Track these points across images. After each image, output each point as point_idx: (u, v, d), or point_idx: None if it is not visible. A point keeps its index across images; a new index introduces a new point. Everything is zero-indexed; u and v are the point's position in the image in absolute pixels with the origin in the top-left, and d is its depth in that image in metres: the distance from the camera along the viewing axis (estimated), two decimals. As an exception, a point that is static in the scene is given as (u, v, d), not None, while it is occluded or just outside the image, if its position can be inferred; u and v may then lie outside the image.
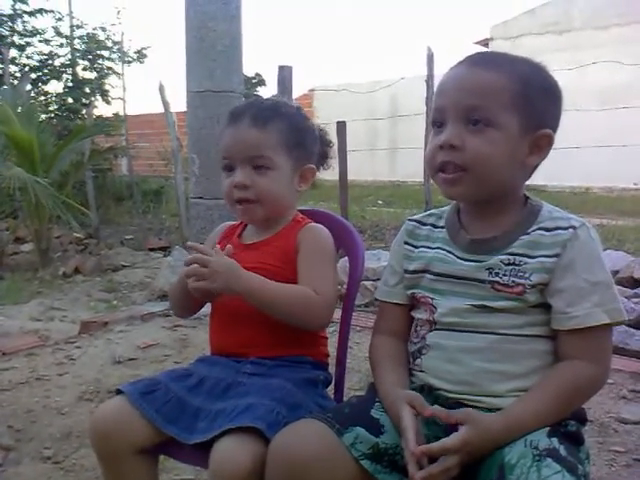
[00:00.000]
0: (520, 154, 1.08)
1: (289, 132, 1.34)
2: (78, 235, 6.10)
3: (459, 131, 1.07)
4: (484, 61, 1.11)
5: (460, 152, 1.07)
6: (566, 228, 1.07)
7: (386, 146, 11.33)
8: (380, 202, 9.37)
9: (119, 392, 1.25)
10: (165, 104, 6.37)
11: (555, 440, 0.97)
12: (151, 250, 5.89)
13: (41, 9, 8.73)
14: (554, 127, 1.11)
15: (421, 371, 1.14)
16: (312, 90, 14.31)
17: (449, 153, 1.08)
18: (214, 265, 1.19)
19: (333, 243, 1.35)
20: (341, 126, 5.46)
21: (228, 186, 1.34)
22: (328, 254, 1.33)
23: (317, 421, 1.06)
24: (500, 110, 1.05)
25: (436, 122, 1.12)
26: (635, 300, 3.18)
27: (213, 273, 1.18)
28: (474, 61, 1.11)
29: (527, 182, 1.15)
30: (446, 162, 1.09)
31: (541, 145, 1.09)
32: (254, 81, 10.89)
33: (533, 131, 1.08)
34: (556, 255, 1.05)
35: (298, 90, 13.79)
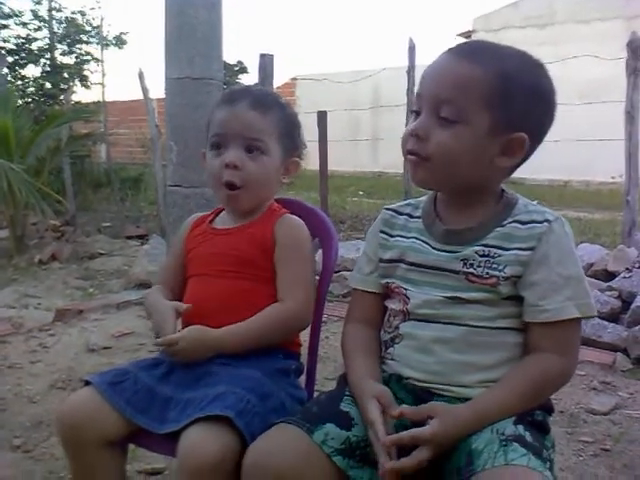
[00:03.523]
0: (488, 154, 1.06)
1: (285, 122, 1.35)
2: (55, 222, 6.02)
3: (428, 122, 1.06)
4: (470, 53, 1.07)
5: (424, 143, 1.06)
6: (541, 222, 1.07)
7: (368, 136, 11.33)
8: (361, 193, 9.37)
9: (87, 383, 1.23)
10: (144, 90, 6.30)
11: (521, 427, 0.99)
12: (129, 238, 5.84)
13: (18, -10, 8.58)
14: (535, 130, 1.07)
15: (392, 359, 1.15)
16: (294, 79, 14.24)
17: (415, 142, 1.08)
18: (180, 346, 1.22)
19: (309, 234, 1.36)
20: (322, 116, 5.44)
21: (218, 166, 1.31)
22: (305, 249, 1.33)
23: (289, 425, 1.05)
24: (471, 107, 1.03)
25: (415, 109, 1.11)
26: (609, 293, 3.22)
27: (181, 351, 1.22)
28: (459, 51, 1.08)
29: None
30: (411, 150, 1.09)
31: (514, 148, 1.06)
32: (236, 69, 10.81)
33: (507, 132, 1.05)
34: (530, 248, 1.06)
35: (280, 79, 13.75)
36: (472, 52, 1.08)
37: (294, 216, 1.37)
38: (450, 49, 1.09)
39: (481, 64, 1.04)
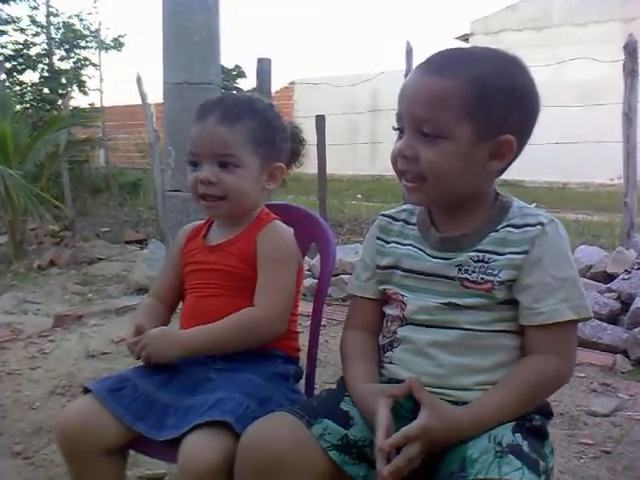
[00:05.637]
0: (478, 161, 1.06)
1: (258, 130, 1.32)
2: (53, 227, 6.01)
3: (412, 141, 1.06)
4: (439, 66, 1.06)
5: (415, 162, 1.06)
6: (534, 225, 1.07)
7: (366, 140, 11.34)
8: (360, 196, 9.39)
9: (87, 391, 1.24)
10: (142, 95, 6.31)
11: (519, 436, 0.98)
12: (128, 243, 5.84)
13: (15, -4, 8.57)
14: (520, 130, 1.06)
15: (391, 363, 1.15)
16: (292, 83, 14.26)
17: (405, 162, 1.08)
18: (146, 341, 1.26)
19: (293, 243, 1.35)
20: (320, 120, 5.44)
21: (193, 181, 1.32)
22: (284, 256, 1.32)
23: (287, 414, 1.05)
24: (451, 121, 1.03)
25: (397, 127, 1.11)
26: (608, 295, 3.22)
27: (145, 347, 1.25)
28: (428, 67, 1.07)
29: (504, 177, 1.14)
30: (404, 170, 1.09)
31: (503, 151, 1.06)
32: (234, 73, 10.82)
33: (491, 137, 1.04)
34: (524, 252, 1.06)
35: (279, 83, 13.76)
36: (442, 65, 1.06)
37: (279, 224, 1.36)
38: (421, 65, 1.09)
39: (452, 76, 1.03)
